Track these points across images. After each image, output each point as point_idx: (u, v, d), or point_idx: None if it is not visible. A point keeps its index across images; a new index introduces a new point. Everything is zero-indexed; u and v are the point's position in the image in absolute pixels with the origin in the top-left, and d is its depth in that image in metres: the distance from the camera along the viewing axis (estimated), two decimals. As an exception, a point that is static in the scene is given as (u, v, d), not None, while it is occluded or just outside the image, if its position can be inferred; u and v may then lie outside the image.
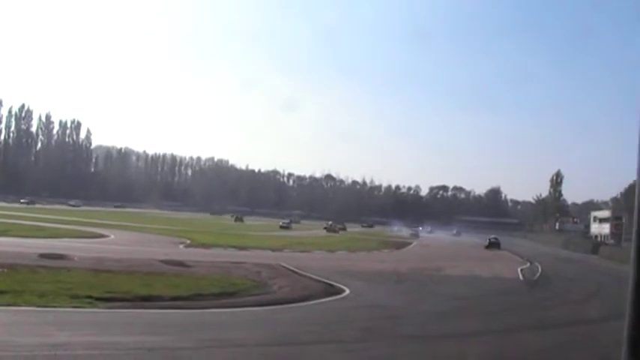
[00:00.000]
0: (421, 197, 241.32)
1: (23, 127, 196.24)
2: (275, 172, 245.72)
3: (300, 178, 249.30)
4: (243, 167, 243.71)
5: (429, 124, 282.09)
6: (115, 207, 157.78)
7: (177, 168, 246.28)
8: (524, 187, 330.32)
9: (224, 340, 15.34)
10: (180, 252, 45.36)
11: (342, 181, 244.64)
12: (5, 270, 24.80)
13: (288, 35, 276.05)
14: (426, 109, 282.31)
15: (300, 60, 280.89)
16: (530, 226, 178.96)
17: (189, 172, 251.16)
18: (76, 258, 31.99)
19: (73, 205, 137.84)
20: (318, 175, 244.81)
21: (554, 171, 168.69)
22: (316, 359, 14.04)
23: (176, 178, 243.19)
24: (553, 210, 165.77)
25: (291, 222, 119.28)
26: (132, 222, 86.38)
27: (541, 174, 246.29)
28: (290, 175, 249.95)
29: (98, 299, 19.83)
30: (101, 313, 18.40)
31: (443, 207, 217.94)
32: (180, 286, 24.29)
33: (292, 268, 34.60)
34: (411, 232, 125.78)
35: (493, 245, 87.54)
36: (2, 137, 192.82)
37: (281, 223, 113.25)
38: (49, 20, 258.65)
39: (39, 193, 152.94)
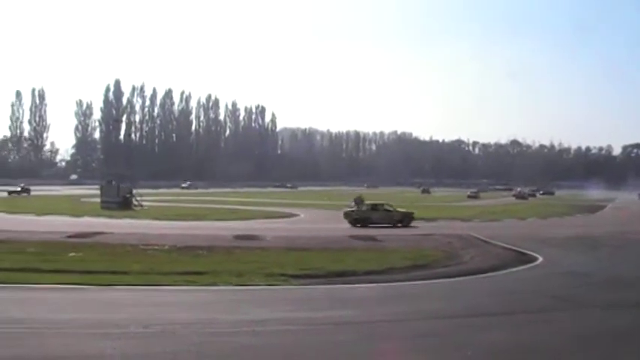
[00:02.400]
0: (614, 157, 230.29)
1: (212, 116, 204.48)
2: (459, 142, 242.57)
3: (485, 146, 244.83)
4: (427, 139, 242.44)
5: (620, 80, 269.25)
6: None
7: (361, 144, 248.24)
8: None
9: (417, 313, 15.25)
10: (369, 227, 45.72)
11: (528, 146, 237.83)
12: (204, 252, 25.96)
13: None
14: (614, 65, 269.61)
15: (477, 24, 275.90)
16: None
17: (374, 147, 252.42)
18: (268, 238, 32.94)
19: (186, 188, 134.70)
20: (503, 141, 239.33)
21: None
22: (511, 330, 13.63)
23: (360, 154, 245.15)
24: None
25: (478, 191, 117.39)
26: (319, 200, 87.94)
27: None
28: (475, 143, 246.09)
29: (292, 276, 20.31)
30: (295, 289, 18.81)
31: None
32: (372, 260, 24.43)
33: (483, 238, 33.99)
34: None
35: None
36: (193, 127, 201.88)
37: (469, 193, 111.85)
38: (228, 15, 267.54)
39: (231, 178, 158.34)
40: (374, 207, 48.66)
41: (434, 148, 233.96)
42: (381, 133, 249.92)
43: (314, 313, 15.06)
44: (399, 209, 48.55)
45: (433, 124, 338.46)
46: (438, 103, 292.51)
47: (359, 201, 53.90)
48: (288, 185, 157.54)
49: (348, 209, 49.63)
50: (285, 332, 12.86)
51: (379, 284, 19.95)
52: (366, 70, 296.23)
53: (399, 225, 44.93)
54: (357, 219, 46.01)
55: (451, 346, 11.92)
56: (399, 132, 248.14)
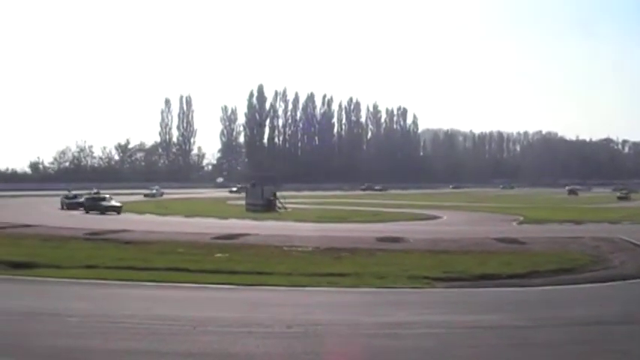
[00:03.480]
0: None
1: (353, 118, 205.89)
2: (608, 141, 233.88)
3: (636, 145, 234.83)
4: (573, 138, 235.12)
5: None
6: (453, 188, 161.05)
7: (504, 144, 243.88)
8: None
9: (564, 318, 14.75)
10: (514, 229, 44.87)
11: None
12: (347, 254, 26.16)
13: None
14: None
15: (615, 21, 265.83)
16: None
17: (518, 147, 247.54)
18: (411, 240, 32.85)
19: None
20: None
21: None
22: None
23: (504, 155, 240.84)
24: None
25: (629, 192, 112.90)
26: (463, 202, 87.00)
27: None
28: (624, 142, 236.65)
29: (435, 279, 20.19)
30: (438, 292, 18.72)
31: None
32: (515, 263, 23.91)
33: (634, 241, 32.54)
34: None
35: None
36: (335, 130, 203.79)
37: (618, 194, 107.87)
38: (367, 19, 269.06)
39: (374, 180, 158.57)
40: None
41: (581, 147, 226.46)
42: (525, 134, 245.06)
43: (457, 317, 14.88)
44: None
45: (580, 123, 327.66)
46: (584, 101, 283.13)
47: None
48: (377, 188, 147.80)
49: None
50: (428, 335, 12.77)
51: (523, 288, 19.54)
52: (509, 69, 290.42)
53: None
54: None
55: (601, 355, 11.50)
56: (543, 132, 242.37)
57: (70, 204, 65.12)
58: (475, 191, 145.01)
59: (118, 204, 61.45)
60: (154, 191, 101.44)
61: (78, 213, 59.07)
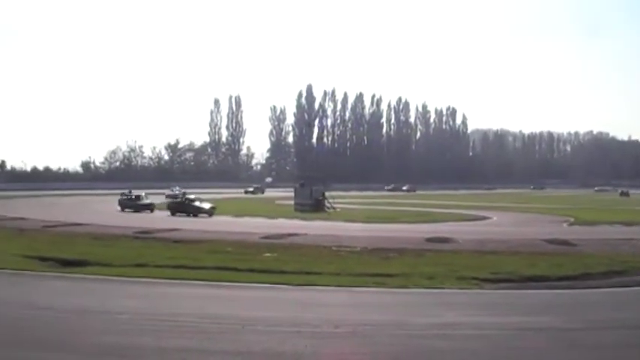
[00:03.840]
0: None
1: (402, 118, 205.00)
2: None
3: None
4: (625, 138, 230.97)
5: None
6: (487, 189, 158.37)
7: (554, 145, 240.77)
8: None
9: (615, 321, 14.54)
10: (564, 230, 44.34)
11: None
12: (395, 254, 26.11)
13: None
14: None
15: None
16: None
17: (568, 147, 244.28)
18: (459, 240, 32.67)
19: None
20: None
21: None
22: None
23: (554, 155, 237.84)
24: None
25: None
26: (513, 203, 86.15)
27: None
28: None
29: (484, 280, 20.06)
30: (487, 294, 18.56)
31: None
32: (566, 265, 23.63)
33: (688, 243, 31.98)
34: None
35: None
36: (384, 130, 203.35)
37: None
38: (415, 18, 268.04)
39: (423, 180, 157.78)
40: None
41: (633, 148, 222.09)
42: (576, 134, 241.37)
43: (506, 318, 14.79)
44: None
45: (632, 122, 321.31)
46: (637, 100, 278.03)
47: None
48: (404, 188, 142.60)
49: None
50: (477, 337, 12.70)
51: (574, 290, 19.31)
52: (559, 67, 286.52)
53: None
54: None
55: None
56: (595, 132, 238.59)
57: (134, 206, 62.28)
58: (506, 193, 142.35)
59: (208, 205, 58.84)
60: (176, 192, 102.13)
61: (142, 215, 56.98)
